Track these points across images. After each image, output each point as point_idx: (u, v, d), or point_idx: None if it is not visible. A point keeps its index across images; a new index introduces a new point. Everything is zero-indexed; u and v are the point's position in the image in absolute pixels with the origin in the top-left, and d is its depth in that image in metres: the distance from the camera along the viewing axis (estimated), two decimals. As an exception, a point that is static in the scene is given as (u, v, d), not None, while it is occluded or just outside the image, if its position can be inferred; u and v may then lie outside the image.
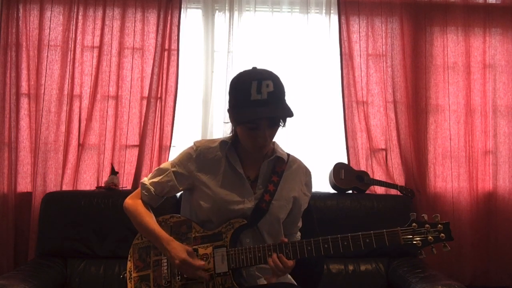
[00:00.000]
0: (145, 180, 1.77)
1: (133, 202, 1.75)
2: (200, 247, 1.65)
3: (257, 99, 1.53)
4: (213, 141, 1.77)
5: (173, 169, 1.73)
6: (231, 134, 1.74)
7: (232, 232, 1.65)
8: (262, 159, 1.74)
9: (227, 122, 1.72)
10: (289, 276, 1.79)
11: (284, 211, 1.75)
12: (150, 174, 1.80)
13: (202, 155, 1.73)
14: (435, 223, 1.59)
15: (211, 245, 1.65)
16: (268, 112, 1.54)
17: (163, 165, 1.78)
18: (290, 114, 1.56)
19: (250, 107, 1.54)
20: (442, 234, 1.58)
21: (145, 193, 1.75)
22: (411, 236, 1.57)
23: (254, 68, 1.64)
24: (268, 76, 1.57)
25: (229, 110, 1.66)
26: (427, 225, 1.59)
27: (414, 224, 1.59)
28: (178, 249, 1.60)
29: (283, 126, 1.64)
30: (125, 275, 1.72)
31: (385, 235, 1.58)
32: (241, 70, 1.65)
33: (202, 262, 1.60)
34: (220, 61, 3.05)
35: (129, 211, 1.74)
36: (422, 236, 1.57)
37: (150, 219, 1.69)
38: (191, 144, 1.78)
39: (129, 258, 1.74)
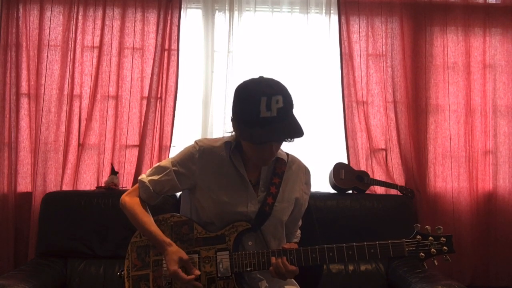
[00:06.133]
0: (143, 177, 1.72)
1: (130, 200, 1.70)
2: (202, 249, 1.64)
3: (267, 116, 1.48)
4: (215, 140, 1.74)
5: (174, 168, 1.69)
6: (232, 134, 1.70)
7: (235, 236, 1.64)
8: None
9: (231, 132, 1.68)
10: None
11: (287, 212, 1.74)
12: (149, 170, 1.75)
13: (205, 155, 1.69)
14: (438, 236, 1.62)
15: (213, 248, 1.64)
16: (278, 133, 1.50)
17: (162, 163, 1.73)
18: (300, 133, 1.52)
19: (259, 126, 1.49)
20: (444, 247, 1.60)
21: (144, 191, 1.71)
22: (415, 248, 1.60)
23: (262, 78, 1.58)
24: (278, 90, 1.52)
25: (233, 121, 1.61)
26: (430, 238, 1.61)
27: (418, 236, 1.61)
28: (172, 258, 1.56)
29: (291, 141, 1.58)
30: (123, 273, 1.70)
31: (390, 246, 1.59)
32: (246, 79, 1.59)
33: (196, 273, 1.57)
34: (220, 61, 3.05)
35: (126, 209, 1.70)
36: (426, 248, 1.60)
37: (148, 219, 1.66)
38: (192, 143, 1.73)
39: (126, 256, 1.71)
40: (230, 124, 1.65)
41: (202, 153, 1.69)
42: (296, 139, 1.57)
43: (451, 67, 3.07)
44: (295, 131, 1.52)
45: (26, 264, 2.52)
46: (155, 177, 1.70)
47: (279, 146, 1.63)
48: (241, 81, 1.61)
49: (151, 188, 1.70)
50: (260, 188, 1.71)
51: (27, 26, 2.92)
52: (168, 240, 1.61)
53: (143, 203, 1.71)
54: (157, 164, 1.75)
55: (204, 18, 3.08)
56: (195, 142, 1.73)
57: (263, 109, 1.48)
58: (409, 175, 2.99)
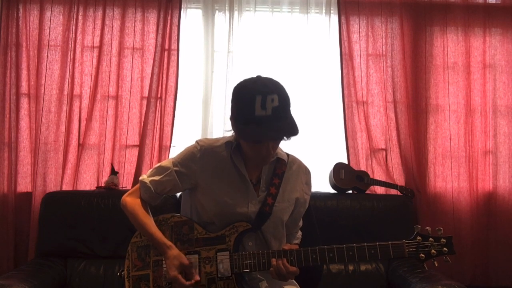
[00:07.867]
0: (145, 177, 1.72)
1: (131, 201, 1.71)
2: (202, 250, 1.64)
3: (261, 115, 1.48)
4: (216, 140, 1.74)
5: (175, 168, 1.69)
6: (233, 134, 1.70)
7: (236, 236, 1.64)
8: None
9: (229, 130, 1.68)
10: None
11: (287, 213, 1.74)
12: (150, 171, 1.75)
13: (206, 155, 1.69)
14: (438, 237, 1.62)
15: (213, 248, 1.64)
16: (273, 132, 1.51)
17: (164, 163, 1.73)
18: (295, 132, 1.52)
19: (254, 123, 1.50)
20: (445, 248, 1.61)
21: (145, 191, 1.71)
22: (415, 250, 1.60)
23: (259, 77, 1.58)
24: (273, 89, 1.52)
25: (231, 120, 1.61)
26: (430, 239, 1.61)
27: (418, 237, 1.61)
28: (173, 263, 1.57)
29: (287, 139, 1.58)
30: (123, 273, 1.70)
31: (391, 247, 1.59)
32: (245, 78, 1.59)
33: (196, 279, 1.58)
34: (220, 61, 3.05)
35: (127, 210, 1.70)
36: (426, 249, 1.60)
37: (148, 221, 1.66)
38: (193, 142, 1.73)
39: (127, 256, 1.70)
40: (230, 123, 1.65)
41: (203, 153, 1.69)
42: (296, 139, 1.56)
43: (451, 67, 3.07)
44: (290, 130, 1.53)
45: (26, 264, 2.52)
46: (157, 178, 1.70)
47: (276, 145, 1.63)
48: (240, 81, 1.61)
49: (152, 189, 1.70)
50: (261, 188, 1.71)
51: (27, 26, 2.92)
52: (169, 242, 1.62)
53: (144, 204, 1.71)
54: (158, 164, 1.75)
55: (204, 18, 3.09)
56: (196, 142, 1.73)
57: (258, 107, 1.49)
58: (409, 175, 2.99)
